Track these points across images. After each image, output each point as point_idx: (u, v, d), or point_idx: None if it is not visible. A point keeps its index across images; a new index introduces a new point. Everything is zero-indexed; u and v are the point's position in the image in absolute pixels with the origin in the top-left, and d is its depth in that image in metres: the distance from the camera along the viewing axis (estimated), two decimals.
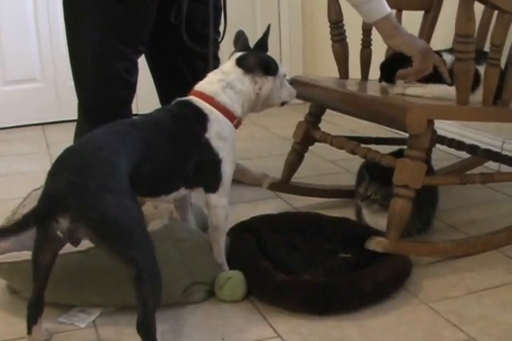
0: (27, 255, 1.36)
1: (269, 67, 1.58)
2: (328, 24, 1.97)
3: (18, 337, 1.40)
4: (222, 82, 1.55)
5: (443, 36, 2.07)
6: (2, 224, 1.63)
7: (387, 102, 1.70)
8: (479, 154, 2.07)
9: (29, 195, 1.79)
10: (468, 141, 2.13)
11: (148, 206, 1.68)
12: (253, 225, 1.76)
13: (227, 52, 1.71)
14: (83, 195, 1.21)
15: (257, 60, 1.56)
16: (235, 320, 1.47)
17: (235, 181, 1.78)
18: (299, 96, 1.75)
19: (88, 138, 1.37)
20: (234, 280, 1.53)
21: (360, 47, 2.06)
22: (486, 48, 1.80)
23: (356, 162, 2.00)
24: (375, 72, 1.94)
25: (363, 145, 1.85)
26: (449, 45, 1.90)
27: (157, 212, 1.68)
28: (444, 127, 2.49)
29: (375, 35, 1.86)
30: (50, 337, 1.40)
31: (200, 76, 1.61)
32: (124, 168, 1.29)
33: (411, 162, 1.61)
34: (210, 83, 1.56)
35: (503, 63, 1.69)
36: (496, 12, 1.70)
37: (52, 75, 3.28)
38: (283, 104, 1.67)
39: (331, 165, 2.52)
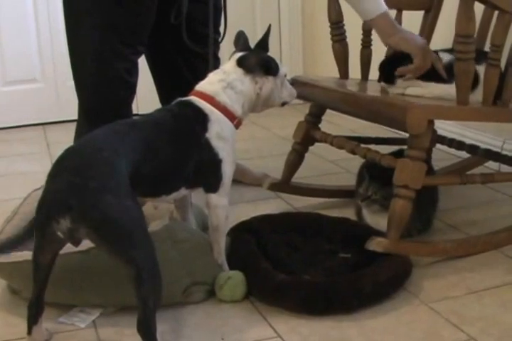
0: (28, 255, 1.36)
1: (269, 67, 1.58)
2: (328, 24, 1.97)
3: (19, 337, 1.40)
4: (222, 82, 1.55)
5: (443, 36, 2.07)
6: (3, 226, 1.64)
7: (388, 102, 1.70)
8: (479, 154, 2.07)
9: (29, 195, 1.80)
10: (468, 141, 2.13)
11: (149, 206, 1.68)
12: (253, 225, 1.76)
13: (227, 52, 1.71)
14: (83, 195, 1.21)
15: (258, 60, 1.56)
16: (235, 320, 1.47)
17: (236, 181, 1.78)
18: (299, 97, 1.75)
19: (88, 139, 1.37)
20: (234, 280, 1.53)
21: (360, 47, 2.06)
22: (486, 48, 1.80)
23: (356, 162, 2.00)
24: (375, 72, 1.94)
25: (363, 146, 1.85)
26: (449, 45, 1.89)
27: (157, 212, 1.68)
28: (444, 127, 2.49)
29: (375, 36, 1.87)
30: (51, 337, 1.40)
31: (200, 76, 1.61)
32: (124, 168, 1.29)
33: (411, 162, 1.61)
34: (210, 83, 1.56)
35: (503, 63, 1.70)
36: (496, 12, 1.70)
37: (52, 75, 3.28)
38: (283, 104, 1.67)
39: (331, 165, 2.52)
